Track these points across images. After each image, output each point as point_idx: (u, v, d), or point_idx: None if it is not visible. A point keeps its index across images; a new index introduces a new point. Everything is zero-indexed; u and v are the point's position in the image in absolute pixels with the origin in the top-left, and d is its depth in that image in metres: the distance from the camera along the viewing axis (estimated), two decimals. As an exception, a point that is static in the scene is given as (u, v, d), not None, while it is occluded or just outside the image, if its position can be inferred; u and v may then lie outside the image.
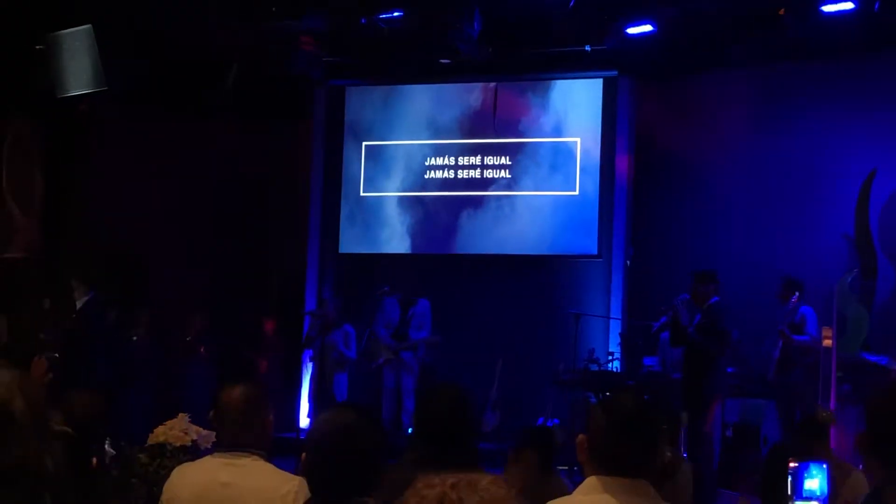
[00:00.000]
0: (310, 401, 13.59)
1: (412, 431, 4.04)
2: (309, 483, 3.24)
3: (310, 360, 14.08)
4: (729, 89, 13.56)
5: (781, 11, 11.82)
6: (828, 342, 10.89)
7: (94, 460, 3.87)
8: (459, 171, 14.44)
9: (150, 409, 12.20)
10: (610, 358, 12.78)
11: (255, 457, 4.03)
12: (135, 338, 13.27)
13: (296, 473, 4.05)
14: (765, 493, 5.85)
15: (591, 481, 3.18)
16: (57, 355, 11.54)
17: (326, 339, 12.90)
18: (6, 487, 1.59)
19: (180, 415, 5.97)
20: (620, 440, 3.17)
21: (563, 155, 13.99)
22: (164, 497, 4.13)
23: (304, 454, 3.17)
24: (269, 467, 4.04)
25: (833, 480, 5.72)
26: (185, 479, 4.14)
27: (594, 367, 12.50)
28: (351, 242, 14.86)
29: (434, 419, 3.92)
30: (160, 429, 5.86)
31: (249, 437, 4.05)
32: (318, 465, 3.13)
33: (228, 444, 4.07)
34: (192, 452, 5.53)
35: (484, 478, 1.81)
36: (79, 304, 12.73)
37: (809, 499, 4.79)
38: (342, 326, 13.05)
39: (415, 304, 12.95)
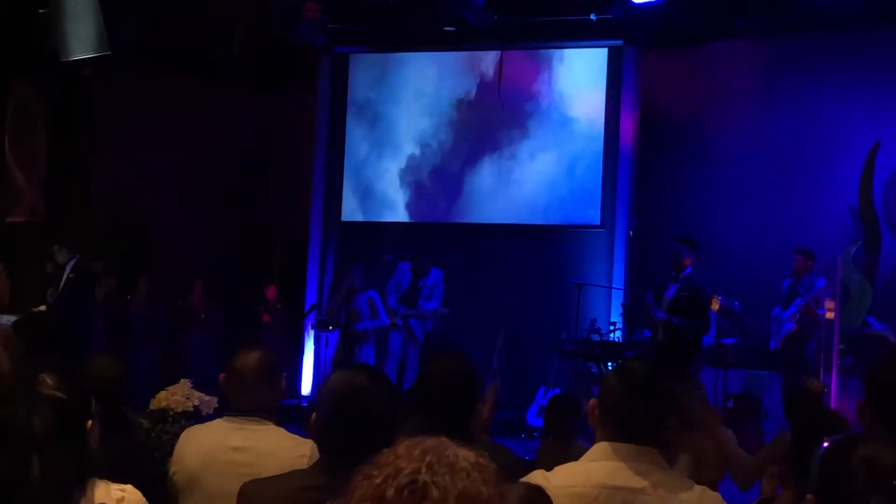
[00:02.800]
0: (331, 369, 13.53)
1: (415, 398, 4.01)
2: (319, 444, 3.23)
3: (312, 328, 14.07)
4: (734, 60, 13.52)
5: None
6: (830, 314, 10.89)
7: (89, 423, 3.84)
8: (463, 140, 14.39)
9: (152, 374, 12.23)
10: (612, 328, 12.79)
11: (267, 422, 4.04)
12: (133, 304, 13.27)
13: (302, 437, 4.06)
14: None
15: (600, 447, 3.19)
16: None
17: (351, 308, 12.81)
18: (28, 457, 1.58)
19: (182, 380, 5.96)
20: (632, 406, 3.17)
21: (567, 124, 13.95)
22: (173, 459, 4.13)
23: (314, 415, 3.17)
24: (282, 431, 4.05)
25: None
26: (194, 441, 4.14)
27: (596, 338, 12.51)
28: (353, 210, 14.84)
29: (435, 387, 3.90)
30: (162, 394, 5.86)
31: (262, 402, 4.06)
32: (328, 427, 3.12)
33: (240, 408, 4.07)
34: (195, 418, 5.53)
35: (468, 458, 1.63)
36: (67, 269, 12.77)
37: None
38: (366, 292, 12.93)
39: (427, 273, 12.90)
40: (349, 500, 1.60)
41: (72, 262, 12.80)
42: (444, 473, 1.58)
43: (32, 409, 1.62)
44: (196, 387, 5.90)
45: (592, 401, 3.31)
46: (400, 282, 13.01)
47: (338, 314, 13.01)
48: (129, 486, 1.73)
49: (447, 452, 1.62)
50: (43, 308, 12.25)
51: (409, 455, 1.61)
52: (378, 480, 1.58)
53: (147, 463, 4.60)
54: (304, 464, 3.63)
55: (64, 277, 12.78)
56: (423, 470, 1.58)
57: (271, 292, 14.51)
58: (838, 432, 5.96)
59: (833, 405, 10.04)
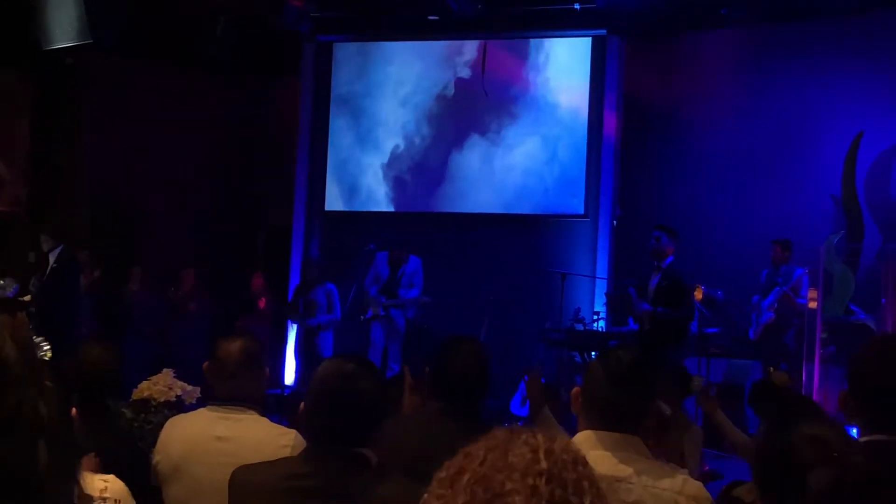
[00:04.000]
0: (296, 359, 13.57)
1: (432, 384, 4.03)
2: (306, 433, 3.24)
3: (288, 319, 14.08)
4: (718, 49, 13.53)
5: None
6: (813, 303, 10.92)
7: (74, 411, 3.84)
8: (447, 129, 14.38)
9: (148, 363, 12.21)
10: (595, 318, 12.80)
11: (251, 411, 4.03)
12: (126, 293, 13.24)
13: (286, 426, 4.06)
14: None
15: (584, 435, 3.20)
16: (32, 309, 11.60)
17: (308, 298, 12.84)
18: (2, 435, 1.57)
19: (165, 370, 5.97)
20: (616, 394, 3.18)
21: (550, 114, 13.95)
22: (157, 448, 4.12)
23: (301, 404, 3.17)
24: (265, 421, 4.04)
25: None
26: (178, 430, 4.13)
27: (579, 327, 12.52)
28: (337, 200, 14.82)
29: (453, 373, 3.93)
30: (144, 384, 5.86)
31: (246, 390, 4.05)
32: (316, 416, 3.13)
33: (224, 397, 4.06)
34: (177, 407, 5.54)
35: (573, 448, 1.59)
36: (51, 258, 12.72)
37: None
38: (324, 284, 12.97)
39: (406, 261, 12.89)
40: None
41: (56, 252, 12.76)
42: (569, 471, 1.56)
43: (39, 397, 1.62)
44: (187, 376, 5.90)
45: (576, 389, 3.33)
46: (379, 272, 12.98)
47: (296, 306, 13.02)
48: (111, 476, 1.73)
49: (565, 448, 1.60)
50: (27, 298, 12.21)
51: (517, 451, 1.57)
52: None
53: (130, 453, 4.59)
54: (286, 453, 3.64)
55: (48, 267, 12.73)
56: (549, 466, 1.54)
57: (257, 281, 14.48)
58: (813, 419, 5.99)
59: (815, 395, 10.09)
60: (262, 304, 14.31)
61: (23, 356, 1.62)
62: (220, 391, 4.10)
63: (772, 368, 10.36)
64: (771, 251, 11.67)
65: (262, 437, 3.92)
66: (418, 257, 12.90)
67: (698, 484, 3.15)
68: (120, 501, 2.35)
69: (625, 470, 3.10)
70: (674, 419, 6.16)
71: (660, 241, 10.44)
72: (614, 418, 3.17)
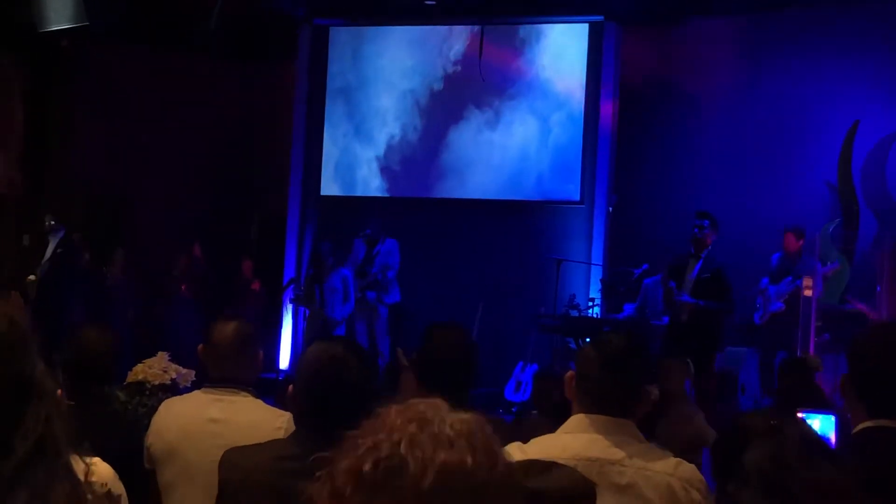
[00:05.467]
0: (304, 345, 13.52)
1: (416, 369, 4.02)
2: (295, 415, 3.24)
3: (290, 302, 14.06)
4: (715, 36, 13.52)
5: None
6: (808, 291, 10.92)
7: (59, 392, 3.82)
8: (443, 115, 14.36)
9: (128, 347, 12.18)
10: (591, 304, 12.81)
11: (245, 393, 4.04)
12: (108, 276, 13.22)
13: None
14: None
15: (577, 419, 3.21)
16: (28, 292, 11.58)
17: (325, 286, 12.80)
18: (7, 403, 1.58)
19: (159, 353, 5.96)
20: (609, 378, 3.18)
21: (546, 100, 13.92)
22: (150, 431, 4.12)
23: (290, 386, 3.17)
24: (260, 403, 4.05)
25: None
26: (172, 414, 4.13)
27: (574, 313, 12.52)
28: (332, 185, 14.80)
29: (438, 358, 3.92)
30: (139, 367, 5.85)
31: (240, 372, 4.06)
32: (305, 397, 3.14)
33: (218, 379, 4.07)
34: (172, 391, 5.53)
35: (455, 425, 1.52)
36: (51, 242, 12.70)
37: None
38: (339, 271, 12.92)
39: (382, 242, 12.88)
40: (333, 470, 1.54)
41: (59, 235, 12.75)
42: (426, 444, 1.48)
43: (33, 369, 1.63)
44: (179, 360, 5.89)
45: (569, 373, 3.33)
46: (356, 257, 12.99)
47: (311, 295, 12.98)
48: (96, 459, 1.73)
49: (434, 419, 1.52)
50: (32, 278, 12.22)
51: (392, 424, 1.53)
52: (359, 452, 1.51)
53: (122, 436, 4.60)
54: (280, 436, 3.65)
55: (50, 250, 12.71)
56: (403, 442, 1.48)
57: (246, 267, 14.47)
58: (818, 406, 6.02)
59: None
60: (255, 286, 14.30)
61: (15, 331, 1.62)
62: (214, 374, 4.11)
63: (807, 353, 10.28)
64: (783, 238, 11.50)
65: (256, 420, 3.92)
66: (395, 240, 12.89)
67: (691, 466, 3.15)
68: (107, 485, 2.35)
69: (617, 453, 3.10)
70: (679, 400, 6.20)
71: (703, 230, 10.17)
72: (607, 402, 3.18)
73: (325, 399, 3.09)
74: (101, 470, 2.10)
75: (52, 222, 12.75)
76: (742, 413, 2.41)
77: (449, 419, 1.52)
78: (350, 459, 1.51)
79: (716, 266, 10.10)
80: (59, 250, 12.56)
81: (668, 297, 10.38)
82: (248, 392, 4.05)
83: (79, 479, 1.66)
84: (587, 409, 3.18)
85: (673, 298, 10.22)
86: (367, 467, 1.48)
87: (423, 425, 1.50)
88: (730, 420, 2.52)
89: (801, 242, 11.40)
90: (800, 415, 4.69)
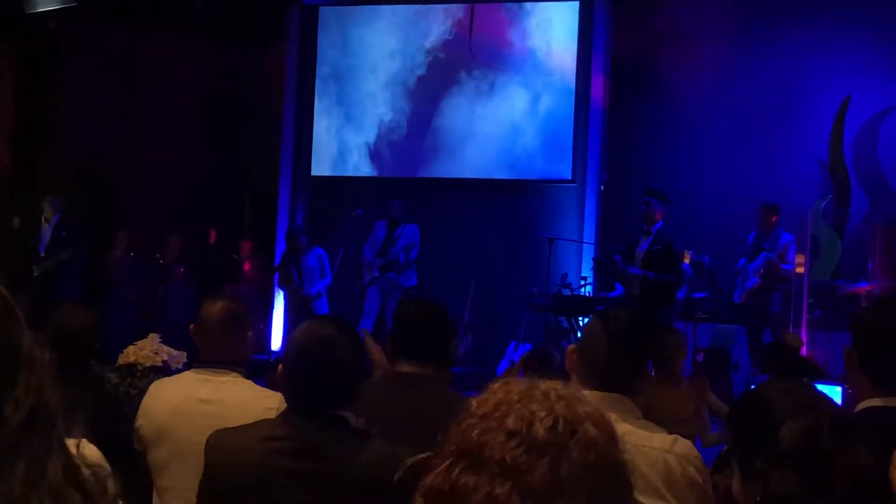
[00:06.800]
0: (287, 325, 13.54)
1: (394, 344, 3.99)
2: (286, 395, 3.22)
3: (279, 287, 14.05)
4: (706, 13, 13.46)
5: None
6: (800, 268, 10.95)
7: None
8: (433, 94, 14.31)
9: (132, 329, 12.18)
10: (583, 283, 12.79)
11: (235, 374, 4.02)
12: (110, 259, 13.21)
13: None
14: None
15: (576, 394, 3.18)
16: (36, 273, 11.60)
17: (302, 266, 12.83)
18: (27, 377, 1.58)
19: (150, 335, 5.95)
20: (612, 353, 3.17)
21: (537, 78, 13.88)
22: (140, 412, 4.11)
23: (280, 366, 3.16)
24: (249, 383, 4.04)
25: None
26: (163, 394, 4.12)
27: (567, 292, 12.50)
28: (323, 165, 14.75)
29: (412, 335, 3.89)
30: (130, 349, 5.84)
31: (229, 353, 4.04)
32: (295, 377, 3.13)
33: (207, 359, 4.05)
34: (163, 372, 5.51)
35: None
36: (46, 225, 12.68)
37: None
38: (314, 249, 12.97)
39: (403, 225, 12.91)
40: (450, 447, 1.53)
41: (55, 219, 12.74)
42: (580, 412, 1.55)
43: (20, 336, 1.63)
44: (174, 341, 5.87)
45: (571, 346, 3.32)
46: (377, 237, 13.01)
47: (289, 274, 13.00)
48: (82, 440, 1.71)
49: (574, 393, 1.58)
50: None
51: (534, 396, 1.55)
52: (510, 424, 1.51)
53: (113, 417, 4.57)
54: (271, 415, 3.63)
55: (48, 234, 12.70)
56: (564, 409, 1.53)
57: (246, 247, 14.44)
58: (814, 377, 6.04)
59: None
60: (247, 266, 14.28)
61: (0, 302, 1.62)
62: (204, 353, 4.10)
63: (785, 331, 10.37)
64: (758, 215, 11.65)
65: (246, 400, 3.90)
66: (416, 226, 12.93)
67: (688, 443, 3.15)
68: (95, 465, 2.31)
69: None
70: (675, 376, 6.21)
71: (650, 206, 10.46)
72: (608, 378, 3.16)
73: (315, 379, 3.09)
74: (87, 451, 2.08)
75: (48, 205, 12.74)
76: (761, 385, 2.40)
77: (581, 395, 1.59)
78: (507, 430, 1.51)
79: (665, 240, 10.31)
80: (63, 233, 12.57)
81: (614, 271, 10.87)
82: (239, 372, 4.03)
83: (73, 454, 1.64)
84: (587, 384, 3.16)
85: (619, 270, 10.66)
86: (541, 432, 1.49)
87: (570, 399, 1.55)
88: (727, 395, 2.50)
89: (775, 218, 11.51)
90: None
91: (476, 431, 1.50)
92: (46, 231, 12.84)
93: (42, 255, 12.65)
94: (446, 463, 1.51)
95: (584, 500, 1.47)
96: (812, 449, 2.15)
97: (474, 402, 1.57)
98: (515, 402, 1.52)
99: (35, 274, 12.44)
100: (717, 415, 6.13)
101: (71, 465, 1.62)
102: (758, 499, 2.24)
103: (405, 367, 3.84)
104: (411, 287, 12.92)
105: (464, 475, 1.48)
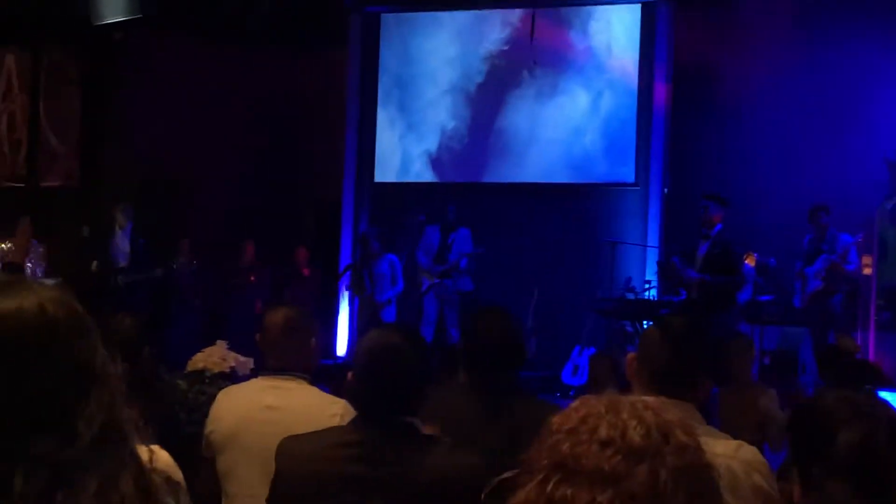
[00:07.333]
0: (356, 332, 13.57)
1: (461, 356, 4.00)
2: (354, 403, 3.27)
3: (346, 289, 14.11)
4: (769, 13, 13.36)
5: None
6: (868, 270, 10.82)
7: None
8: (495, 99, 14.32)
9: (197, 336, 12.29)
10: (647, 286, 12.73)
11: (300, 380, 4.06)
12: (175, 266, 13.34)
13: (336, 396, 4.08)
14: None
15: (638, 400, 3.18)
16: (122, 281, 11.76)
17: (375, 272, 12.85)
18: (68, 389, 1.60)
19: (218, 342, 6.01)
20: (671, 359, 3.16)
21: (600, 82, 13.85)
22: (209, 419, 4.16)
23: (349, 374, 3.20)
24: (314, 390, 4.07)
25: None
26: (230, 401, 4.17)
27: (631, 296, 12.46)
28: (386, 172, 14.81)
29: (484, 343, 3.90)
30: (199, 356, 5.90)
31: (293, 359, 4.08)
32: (364, 385, 3.17)
33: (273, 366, 4.11)
34: (231, 379, 5.57)
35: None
36: (120, 233, 12.87)
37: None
38: (386, 256, 12.97)
39: (455, 230, 12.92)
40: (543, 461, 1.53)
41: (130, 226, 12.94)
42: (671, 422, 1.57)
43: (94, 352, 1.66)
44: (245, 348, 5.93)
45: (631, 354, 3.32)
46: (430, 243, 13.01)
47: (361, 281, 13.02)
48: (156, 447, 1.74)
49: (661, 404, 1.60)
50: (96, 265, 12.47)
51: (617, 407, 1.57)
52: (602, 434, 1.52)
53: (180, 424, 4.64)
54: (336, 422, 3.67)
55: (125, 241, 12.89)
56: (653, 418, 1.55)
57: (302, 254, 14.51)
58: (876, 383, 5.96)
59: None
60: (306, 272, 14.34)
61: (73, 317, 1.64)
62: (269, 361, 4.16)
63: (840, 335, 10.29)
64: (809, 217, 11.49)
65: (312, 406, 3.94)
66: (468, 229, 12.93)
67: (753, 449, 3.12)
68: (166, 472, 2.35)
69: (678, 437, 3.07)
70: (744, 381, 6.16)
71: (708, 210, 10.42)
72: (669, 384, 3.14)
73: (383, 387, 3.12)
74: (161, 457, 2.12)
75: (122, 213, 12.92)
76: (819, 392, 2.39)
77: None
78: (584, 445, 1.52)
79: (724, 243, 10.28)
80: (141, 240, 12.78)
81: (674, 275, 10.84)
82: (304, 379, 4.08)
83: (145, 467, 1.67)
84: (648, 391, 3.15)
85: (678, 274, 10.62)
86: (636, 439, 1.51)
87: (656, 408, 1.58)
88: (794, 399, 2.49)
89: (826, 219, 11.40)
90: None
91: (566, 445, 1.51)
92: (121, 239, 13.02)
93: (121, 264, 12.83)
94: (538, 478, 1.51)
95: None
96: (868, 458, 2.14)
97: (555, 421, 1.57)
98: (603, 413, 1.54)
99: (120, 284, 12.61)
100: (771, 423, 6.05)
101: (143, 479, 1.65)
102: None
103: (473, 376, 3.86)
104: (468, 292, 12.93)
105: (560, 488, 1.48)
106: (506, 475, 1.62)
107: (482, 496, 1.74)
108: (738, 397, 5.98)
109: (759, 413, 5.99)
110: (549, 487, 1.49)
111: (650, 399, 1.59)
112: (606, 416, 1.53)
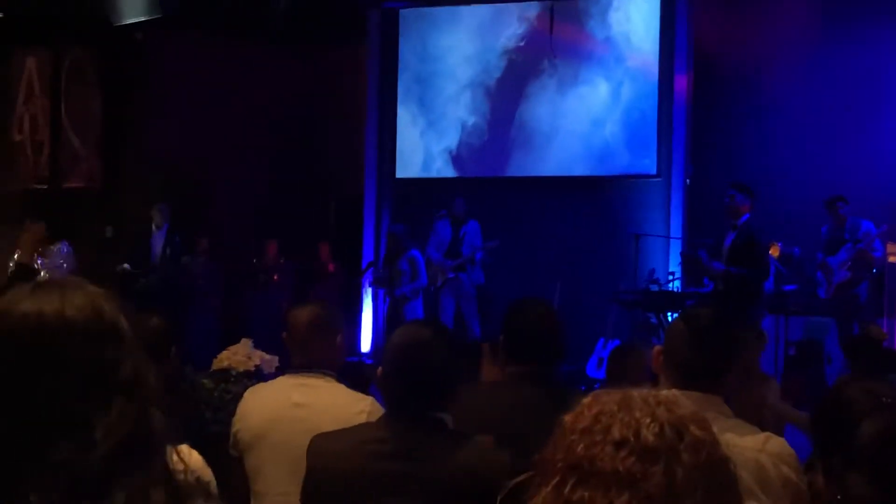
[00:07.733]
0: (382, 327, 13.58)
1: (502, 346, 3.98)
2: (385, 399, 3.27)
3: (369, 285, 14.12)
4: (790, 3, 13.30)
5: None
6: (894, 258, 10.78)
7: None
8: (515, 92, 14.29)
9: (215, 333, 12.32)
10: (671, 278, 12.69)
11: (327, 377, 4.06)
12: (192, 263, 13.40)
13: (366, 394, 4.08)
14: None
15: (663, 394, 3.16)
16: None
17: (394, 268, 12.85)
18: (86, 394, 1.59)
19: (243, 340, 6.01)
20: (697, 352, 3.15)
21: (620, 73, 13.80)
22: (237, 417, 4.17)
23: (379, 369, 3.20)
24: (341, 387, 4.07)
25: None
26: (258, 399, 4.17)
27: (654, 288, 12.43)
28: (407, 167, 14.81)
29: (524, 333, 3.89)
30: (224, 354, 5.91)
31: (319, 357, 4.08)
32: (394, 381, 3.16)
33: (299, 364, 4.11)
34: (257, 377, 5.57)
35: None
36: (157, 232, 12.95)
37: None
38: (407, 252, 12.97)
39: (465, 223, 12.93)
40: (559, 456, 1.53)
41: (166, 227, 13.03)
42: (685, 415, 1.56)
43: (147, 366, 1.66)
44: (269, 346, 5.93)
45: (657, 347, 3.31)
46: (441, 238, 13.01)
47: (386, 276, 13.04)
48: (185, 447, 1.73)
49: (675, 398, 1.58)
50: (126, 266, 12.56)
51: (634, 404, 1.55)
52: (615, 434, 1.51)
53: (206, 423, 4.64)
54: (362, 419, 3.67)
55: (161, 240, 12.98)
56: (668, 414, 1.54)
57: (324, 250, 14.51)
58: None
59: (897, 350, 9.93)
60: (331, 268, 14.35)
61: (100, 321, 1.64)
62: (295, 359, 4.16)
63: (868, 323, 10.21)
64: (826, 208, 11.45)
65: (338, 403, 3.94)
66: (476, 221, 12.94)
67: (781, 440, 3.11)
68: (196, 472, 2.35)
69: (706, 429, 3.06)
70: (754, 373, 6.13)
71: (734, 200, 10.31)
72: (696, 377, 3.14)
73: (413, 383, 3.12)
74: (192, 458, 2.11)
75: (158, 214, 13.01)
76: (841, 382, 2.36)
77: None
78: (599, 443, 1.52)
79: (749, 234, 10.15)
80: (177, 239, 12.87)
81: (700, 267, 10.73)
82: (331, 376, 4.07)
83: (178, 477, 1.65)
84: (675, 384, 3.14)
85: (704, 267, 10.51)
86: (650, 438, 1.50)
87: (668, 403, 1.56)
88: (820, 389, 2.48)
89: (843, 208, 11.36)
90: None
91: (581, 446, 1.50)
92: (158, 238, 13.10)
93: (153, 263, 12.94)
94: (555, 480, 1.50)
95: (702, 501, 1.48)
96: (887, 449, 2.12)
97: (568, 419, 1.56)
98: (615, 411, 1.53)
99: (149, 283, 12.69)
100: (791, 417, 6.00)
101: (176, 492, 1.63)
102: (838, 497, 2.21)
103: (518, 369, 3.85)
104: (481, 285, 12.94)
105: (577, 491, 1.47)
106: (520, 478, 1.60)
107: (498, 499, 1.74)
108: (746, 389, 5.95)
109: (757, 401, 5.95)
110: (566, 490, 1.48)
111: (663, 393, 1.58)
112: (619, 415, 1.52)
